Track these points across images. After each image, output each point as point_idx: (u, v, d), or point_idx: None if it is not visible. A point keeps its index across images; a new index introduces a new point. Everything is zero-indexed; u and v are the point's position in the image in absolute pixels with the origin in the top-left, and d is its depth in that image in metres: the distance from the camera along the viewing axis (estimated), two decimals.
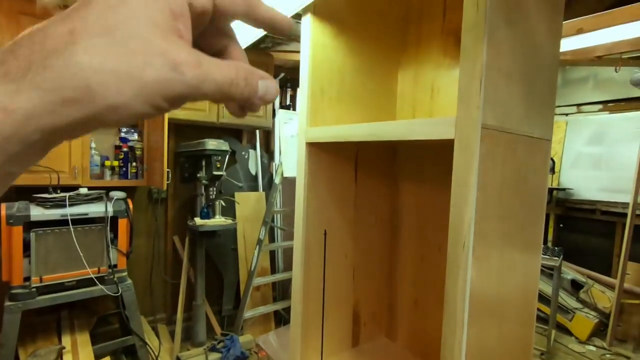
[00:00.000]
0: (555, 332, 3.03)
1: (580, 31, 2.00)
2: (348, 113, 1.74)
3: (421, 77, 1.86)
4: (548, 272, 3.30)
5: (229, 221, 2.46)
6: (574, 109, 3.60)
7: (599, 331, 3.24)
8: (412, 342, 1.90)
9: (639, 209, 3.11)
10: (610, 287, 3.27)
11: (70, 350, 1.90)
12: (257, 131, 3.20)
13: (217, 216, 2.49)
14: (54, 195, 1.98)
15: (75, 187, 2.13)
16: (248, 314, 2.75)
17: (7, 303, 1.80)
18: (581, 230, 3.65)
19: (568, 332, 3.26)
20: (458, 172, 1.02)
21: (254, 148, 3.21)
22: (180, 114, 2.48)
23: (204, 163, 2.41)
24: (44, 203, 1.93)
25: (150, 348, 2.28)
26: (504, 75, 1.03)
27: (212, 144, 2.33)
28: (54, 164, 2.05)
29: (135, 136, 2.54)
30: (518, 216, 1.26)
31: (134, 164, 2.43)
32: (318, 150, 1.66)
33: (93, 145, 2.30)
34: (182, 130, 2.84)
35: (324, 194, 1.71)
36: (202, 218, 2.45)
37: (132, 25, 0.19)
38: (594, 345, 3.10)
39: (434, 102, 1.78)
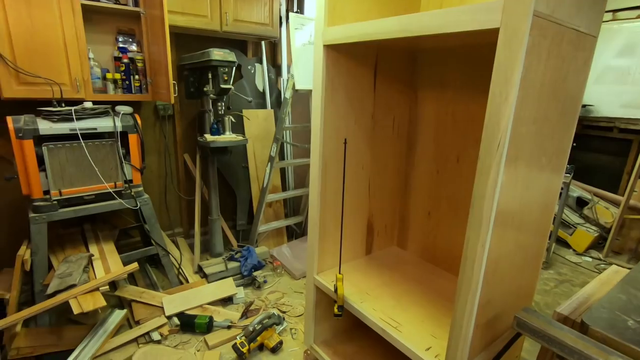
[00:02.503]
0: (554, 245, 3.17)
1: None
2: (369, 10, 1.57)
3: None
4: None
5: (240, 137, 2.41)
6: (610, 15, 3.27)
7: (597, 244, 3.39)
8: (422, 250, 1.99)
9: None
10: (615, 204, 3.32)
11: (99, 257, 2.01)
12: (263, 43, 2.98)
13: (227, 132, 2.44)
14: (60, 108, 1.90)
15: (79, 101, 2.05)
16: (262, 228, 2.86)
17: (32, 215, 1.85)
18: (595, 149, 3.60)
19: (567, 245, 3.41)
20: (500, 66, 0.93)
21: (260, 62, 3.02)
22: (179, 20, 2.27)
23: (210, 76, 2.27)
24: (50, 116, 1.86)
25: (173, 257, 2.42)
26: None
27: (217, 54, 2.17)
28: (54, 76, 1.94)
29: (134, 47, 2.36)
30: (551, 121, 1.19)
31: (136, 77, 2.30)
32: (336, 53, 1.54)
33: (91, 55, 2.15)
34: (182, 40, 2.64)
35: (342, 102, 1.62)
36: (212, 134, 2.40)
37: None
38: (590, 257, 3.26)
39: None
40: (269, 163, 2.69)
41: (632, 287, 1.17)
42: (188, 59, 2.41)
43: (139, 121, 2.13)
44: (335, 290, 1.52)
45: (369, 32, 1.25)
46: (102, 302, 1.66)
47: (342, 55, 1.53)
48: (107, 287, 1.77)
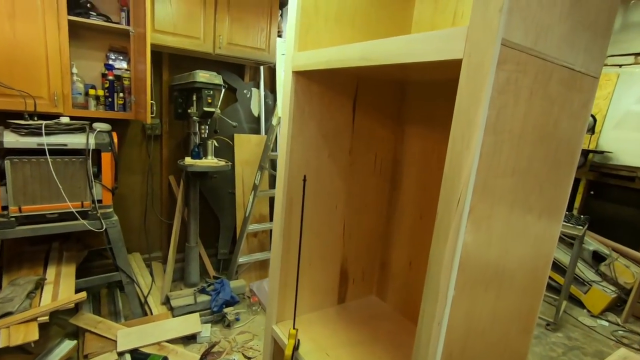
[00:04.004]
0: (566, 303, 2.84)
1: None
2: (348, 39, 1.45)
3: (443, 0, 1.51)
4: (569, 240, 3.04)
5: (222, 163, 2.30)
6: (631, 59, 3.07)
7: (615, 307, 3.03)
8: (402, 304, 1.75)
9: None
10: (637, 262, 2.99)
11: (53, 281, 1.88)
12: (262, 68, 2.92)
13: (209, 157, 2.33)
14: (30, 122, 1.84)
15: (56, 116, 1.99)
16: (242, 259, 2.68)
17: None
18: (614, 200, 3.30)
19: (580, 305, 3.06)
20: (462, 105, 0.75)
21: (258, 87, 2.95)
22: (170, 40, 2.23)
23: (194, 97, 2.20)
24: (18, 130, 1.80)
25: (138, 285, 2.26)
26: None
27: (202, 76, 2.09)
28: (30, 89, 1.90)
29: (124, 64, 2.33)
30: (539, 172, 0.99)
31: (120, 94, 2.25)
32: (307, 81, 1.39)
33: (74, 70, 2.11)
34: (178, 62, 2.60)
35: (313, 135, 1.46)
36: (192, 158, 2.29)
37: None
38: (607, 320, 2.90)
39: None
40: (253, 191, 2.55)
41: None
42: (177, 79, 2.36)
43: (115, 139, 2.04)
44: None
45: (331, 59, 1.12)
46: (35, 336, 1.50)
47: (313, 83, 1.39)
48: (47, 317, 1.62)
